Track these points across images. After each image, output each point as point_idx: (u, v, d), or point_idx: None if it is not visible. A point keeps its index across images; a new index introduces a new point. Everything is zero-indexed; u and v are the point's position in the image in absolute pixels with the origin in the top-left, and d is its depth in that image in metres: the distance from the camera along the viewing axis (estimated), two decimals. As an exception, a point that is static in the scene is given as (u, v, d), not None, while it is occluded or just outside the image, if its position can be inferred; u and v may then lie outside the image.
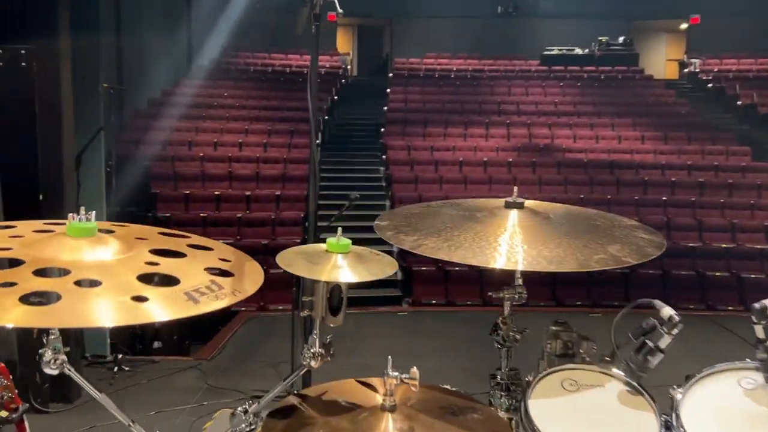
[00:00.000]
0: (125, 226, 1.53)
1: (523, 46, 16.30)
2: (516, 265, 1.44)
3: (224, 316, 7.80)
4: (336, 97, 14.16)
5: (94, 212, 1.29)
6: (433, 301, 7.77)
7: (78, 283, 1.09)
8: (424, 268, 8.19)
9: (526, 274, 1.64)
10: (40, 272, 1.11)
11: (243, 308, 8.09)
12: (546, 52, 15.85)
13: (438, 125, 12.59)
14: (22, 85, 4.91)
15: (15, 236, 1.29)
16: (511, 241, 1.53)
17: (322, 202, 10.88)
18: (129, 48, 10.55)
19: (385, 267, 1.40)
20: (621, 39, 15.78)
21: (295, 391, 1.48)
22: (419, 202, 9.67)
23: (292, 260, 1.40)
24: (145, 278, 1.15)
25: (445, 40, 16.85)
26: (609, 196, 10.24)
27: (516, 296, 1.71)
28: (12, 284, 1.04)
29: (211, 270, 1.26)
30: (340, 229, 1.44)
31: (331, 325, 1.45)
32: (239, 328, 6.90)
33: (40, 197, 5.29)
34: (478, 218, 1.68)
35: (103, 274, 1.13)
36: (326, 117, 12.85)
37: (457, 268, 7.47)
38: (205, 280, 1.21)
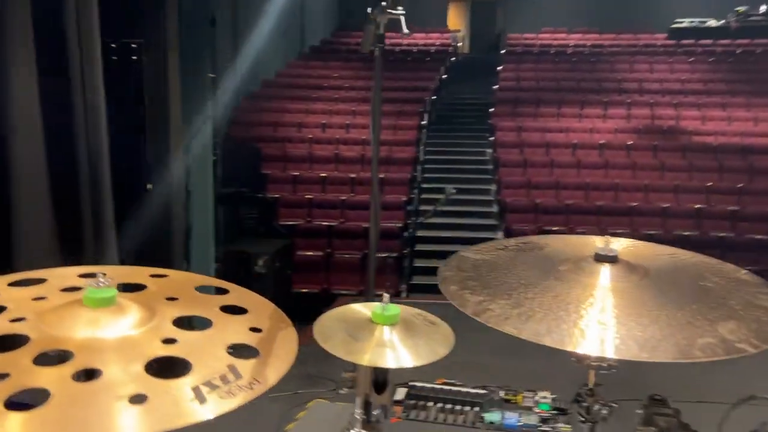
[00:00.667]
0: (164, 276, 1.42)
1: (649, 19, 15.06)
2: (600, 350, 1.19)
3: (327, 297, 7.90)
4: (445, 76, 13.81)
5: (111, 280, 1.18)
6: None
7: (76, 376, 0.97)
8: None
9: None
10: (41, 359, 1.01)
11: (344, 292, 8.16)
12: (675, 25, 14.57)
13: (551, 105, 11.95)
14: (132, 79, 5.07)
15: (38, 298, 1.21)
16: (598, 313, 1.28)
17: (425, 185, 10.72)
18: (244, 30, 10.76)
19: (436, 346, 1.20)
20: (762, 8, 14.16)
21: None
22: (527, 188, 9.24)
23: (330, 331, 1.23)
24: (155, 366, 1.03)
25: (563, 14, 15.92)
26: (740, 185, 9.29)
27: (605, 365, 1.45)
28: (4, 376, 0.94)
29: (233, 350, 1.12)
30: (386, 295, 1.25)
31: (375, 403, 1.27)
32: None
33: (148, 186, 5.48)
34: (559, 273, 1.43)
35: (107, 361, 1.02)
36: (434, 96, 12.57)
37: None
38: (221, 366, 1.07)
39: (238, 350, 1.14)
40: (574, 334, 1.22)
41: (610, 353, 1.18)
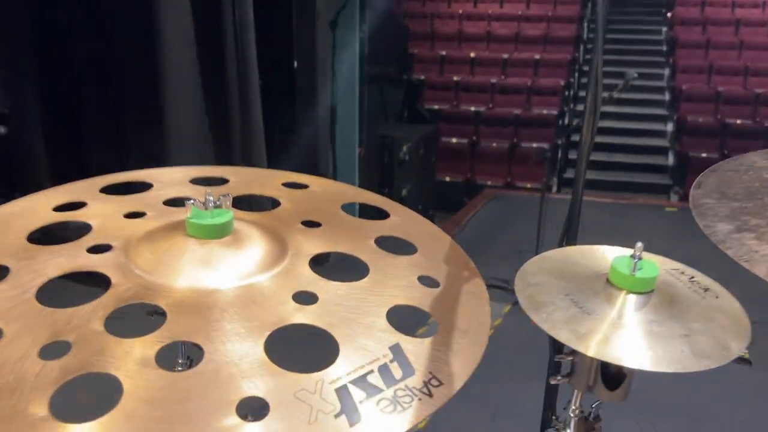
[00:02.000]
0: (302, 186, 1.04)
1: None
2: None
3: (469, 189, 7.47)
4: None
5: (229, 196, 0.80)
6: None
7: (162, 356, 0.63)
8: (705, 155, 6.83)
9: None
10: (119, 321, 0.67)
11: (489, 183, 7.66)
12: None
13: (747, -27, 10.04)
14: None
15: (133, 215, 0.88)
16: None
17: (587, 68, 9.57)
18: None
19: (722, 334, 0.72)
20: None
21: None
22: (708, 73, 7.87)
23: (543, 292, 0.79)
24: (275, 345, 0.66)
25: None
26: None
27: None
28: (63, 350, 0.62)
29: (395, 317, 0.72)
30: (640, 244, 0.78)
31: (603, 400, 0.84)
32: (482, 207, 6.48)
33: (295, 64, 5.17)
34: None
35: (213, 333, 0.66)
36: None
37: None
38: (380, 350, 0.68)
39: (403, 320, 0.75)
40: None
41: None
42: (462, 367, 0.69)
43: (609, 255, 0.86)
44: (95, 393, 0.64)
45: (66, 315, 0.67)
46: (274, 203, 0.96)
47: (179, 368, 0.83)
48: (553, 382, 0.85)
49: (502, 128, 8.06)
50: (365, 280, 0.79)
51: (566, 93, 8.61)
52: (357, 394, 0.62)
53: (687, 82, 8.46)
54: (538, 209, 3.90)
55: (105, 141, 3.44)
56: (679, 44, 9.06)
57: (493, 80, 8.78)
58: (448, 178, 7.86)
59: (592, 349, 0.71)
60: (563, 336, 0.73)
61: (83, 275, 0.74)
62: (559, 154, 8.08)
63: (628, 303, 0.76)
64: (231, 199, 0.80)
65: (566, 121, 8.14)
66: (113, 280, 0.73)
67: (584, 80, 9.02)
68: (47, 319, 0.66)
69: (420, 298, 0.78)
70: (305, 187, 1.05)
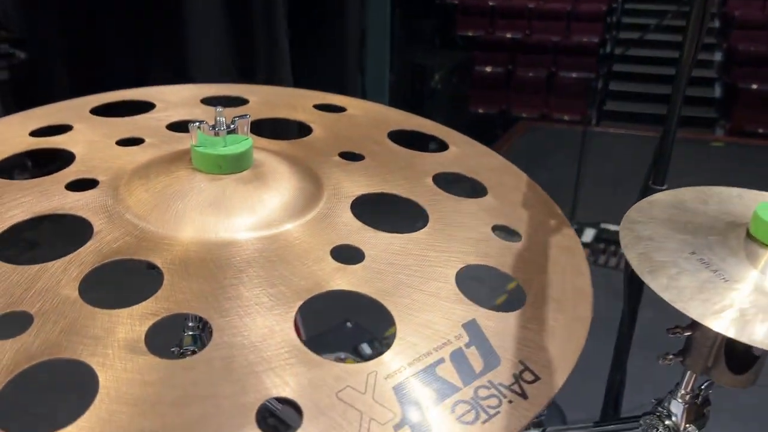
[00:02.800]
0: (339, 109, 0.85)
1: None
2: None
3: (503, 121, 7.13)
4: None
5: (247, 117, 0.61)
6: (760, 131, 6.05)
7: (155, 339, 0.45)
8: (756, 87, 6.39)
9: None
10: (96, 287, 0.50)
11: (525, 115, 7.32)
12: None
13: None
14: None
15: (127, 141, 0.70)
16: None
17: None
18: None
19: None
20: None
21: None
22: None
23: (658, 245, 0.60)
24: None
25: None
26: None
27: None
28: (26, 321, 0.45)
29: (472, 278, 0.54)
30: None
31: (722, 384, 0.66)
32: (517, 140, 6.20)
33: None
34: None
35: (226, 302, 0.49)
36: None
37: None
38: (449, 329, 0.49)
39: (480, 287, 0.56)
40: None
41: None
42: (562, 351, 0.50)
43: (744, 199, 0.66)
44: (61, 389, 0.46)
45: (28, 274, 0.50)
46: (305, 129, 0.77)
47: (180, 351, 0.67)
48: (662, 363, 0.66)
49: (539, 56, 7.63)
50: (424, 231, 0.61)
51: (609, 19, 8.09)
52: (424, 394, 0.45)
53: (740, 8, 7.87)
54: (575, 143, 3.64)
55: (126, 60, 3.27)
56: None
57: (531, 5, 8.27)
58: (481, 110, 7.53)
59: (737, 327, 0.52)
60: (696, 311, 0.54)
61: (57, 220, 0.56)
62: (600, 85, 7.66)
63: (776, 261, 0.56)
64: (249, 122, 0.61)
65: (608, 49, 7.68)
66: (95, 227, 0.55)
67: (628, 5, 8.48)
68: (5, 280, 0.49)
69: (497, 255, 0.59)
70: (342, 110, 0.85)
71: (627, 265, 1.24)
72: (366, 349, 1.56)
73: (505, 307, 0.54)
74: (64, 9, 3.27)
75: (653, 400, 0.71)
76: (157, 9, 3.11)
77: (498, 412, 0.44)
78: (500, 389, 0.46)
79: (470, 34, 8.15)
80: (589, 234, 3.12)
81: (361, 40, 4.77)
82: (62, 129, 0.72)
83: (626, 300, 1.11)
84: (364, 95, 4.73)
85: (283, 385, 0.43)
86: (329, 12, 4.39)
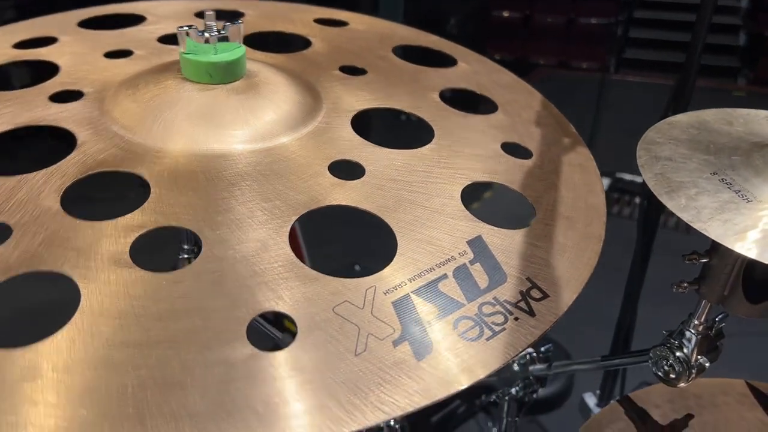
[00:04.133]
0: (341, 23, 0.80)
1: None
2: None
3: (521, 67, 6.93)
4: None
5: (239, 23, 0.57)
6: None
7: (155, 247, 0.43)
8: (783, 34, 6.15)
9: None
10: (87, 205, 0.47)
11: (542, 62, 7.09)
12: None
13: None
14: None
15: (115, 54, 0.66)
16: None
17: None
18: None
19: None
20: None
21: (619, 398, 0.75)
22: None
23: (677, 166, 0.56)
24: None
25: None
26: None
27: None
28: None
29: (479, 196, 0.51)
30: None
31: (738, 315, 0.63)
32: (534, 86, 6.04)
33: None
34: None
35: (219, 218, 0.46)
36: None
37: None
38: (453, 246, 0.47)
39: (488, 204, 0.53)
40: None
41: None
42: (572, 270, 0.47)
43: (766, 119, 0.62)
44: (43, 302, 0.44)
45: (9, 185, 0.47)
46: (305, 43, 0.73)
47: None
48: (677, 290, 0.64)
49: (558, 1, 7.34)
50: (430, 146, 0.57)
51: None
52: (425, 309, 0.42)
53: None
54: (594, 91, 3.53)
55: None
56: None
57: (549, -57, 7.93)
58: (498, 56, 7.31)
59: (756, 248, 0.49)
60: (716, 231, 0.50)
61: (39, 131, 0.53)
62: (620, 31, 7.39)
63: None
64: (242, 28, 0.57)
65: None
66: (80, 138, 0.52)
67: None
68: (-17, 191, 0.47)
69: (506, 172, 0.56)
70: (344, 24, 0.80)
71: (641, 201, 1.20)
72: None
73: (487, 202, 0.50)
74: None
75: (664, 332, 0.69)
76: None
77: (503, 329, 0.42)
78: (506, 306, 0.44)
79: None
80: (604, 183, 3.06)
81: None
82: (47, 41, 0.68)
83: (639, 238, 1.08)
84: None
85: (276, 299, 0.41)
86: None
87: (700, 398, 0.75)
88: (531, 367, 0.85)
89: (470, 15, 6.69)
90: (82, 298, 0.40)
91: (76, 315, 0.39)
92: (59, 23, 0.73)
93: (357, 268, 1.76)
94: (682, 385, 0.66)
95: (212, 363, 0.37)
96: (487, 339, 0.41)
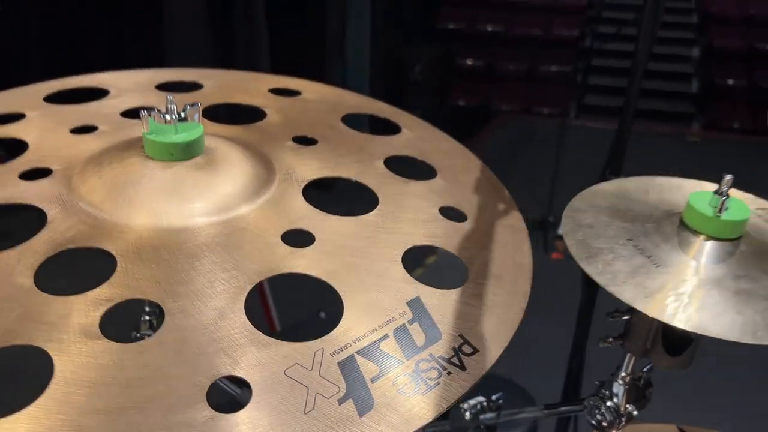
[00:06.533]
0: (294, 93, 0.86)
1: None
2: None
3: (485, 113, 7.13)
4: None
5: (197, 105, 0.62)
6: (736, 126, 6.10)
7: (123, 326, 0.47)
8: (732, 82, 6.47)
9: None
10: (55, 277, 0.51)
11: (505, 108, 7.31)
12: None
13: None
14: None
15: (81, 130, 0.70)
16: None
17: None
18: None
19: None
20: None
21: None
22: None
23: (597, 235, 0.63)
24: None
25: None
26: None
27: None
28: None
29: (416, 267, 0.57)
30: (728, 177, 0.61)
31: (660, 367, 0.70)
32: (498, 132, 6.23)
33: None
34: None
35: (182, 291, 0.50)
36: None
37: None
38: (396, 305, 0.52)
39: (427, 272, 0.59)
40: None
41: None
42: (500, 325, 0.53)
43: (682, 189, 0.69)
44: (17, 374, 0.48)
45: (-17, 264, 0.51)
46: (259, 114, 0.78)
47: (138, 335, 0.69)
48: (602, 345, 0.70)
49: (520, 50, 7.62)
50: (374, 213, 0.63)
51: (588, 13, 8.10)
52: (368, 368, 0.47)
53: (717, 4, 7.93)
54: (555, 136, 3.70)
55: (101, 49, 3.22)
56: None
57: (513, -2, 8.25)
58: (462, 102, 7.50)
59: (665, 312, 0.56)
60: (627, 294, 0.57)
61: (10, 209, 0.57)
62: (579, 79, 7.68)
63: (709, 251, 0.60)
64: (200, 110, 0.62)
65: (588, 42, 7.70)
66: (49, 215, 0.56)
67: None
68: (-42, 269, 0.50)
69: (444, 235, 0.62)
70: (297, 94, 0.86)
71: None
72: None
73: (431, 269, 0.56)
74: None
75: (596, 383, 0.75)
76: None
77: (438, 383, 0.47)
78: (440, 362, 0.49)
79: (451, 26, 8.09)
80: (563, 224, 3.17)
81: (342, 29, 4.73)
82: (14, 117, 0.73)
83: (584, 286, 1.15)
84: (344, 86, 4.70)
85: (233, 364, 0.46)
86: (309, 1, 4.34)
87: (632, 435, 0.82)
88: (481, 416, 0.90)
89: (435, 62, 6.90)
90: (56, 370, 0.44)
91: (52, 385, 0.43)
92: (26, 97, 0.78)
93: (322, 315, 1.79)
94: (614, 433, 0.73)
95: (176, 426, 0.41)
96: (423, 393, 0.47)
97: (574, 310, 1.23)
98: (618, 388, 0.71)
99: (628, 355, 0.70)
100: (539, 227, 3.07)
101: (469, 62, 7.62)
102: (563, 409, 0.80)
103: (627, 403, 0.71)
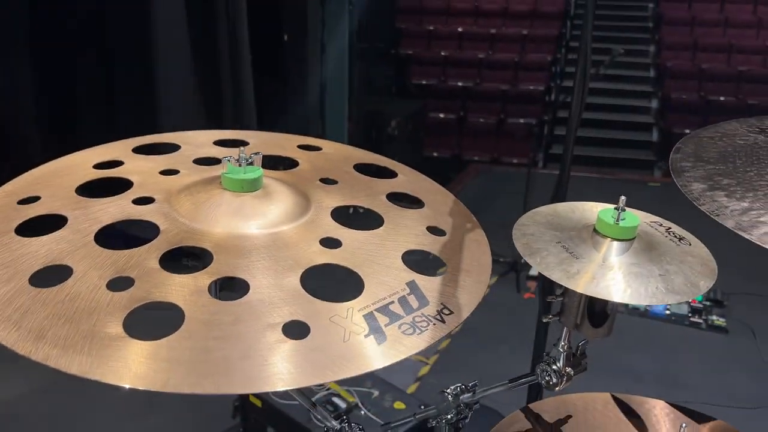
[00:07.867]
0: (317, 148, 1.14)
1: None
2: None
3: (456, 164, 7.55)
4: None
5: (260, 154, 0.90)
6: None
7: (214, 287, 0.73)
8: (688, 131, 6.93)
9: None
10: (172, 260, 0.77)
11: (476, 158, 7.75)
12: None
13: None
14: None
15: (168, 172, 0.97)
16: None
17: (574, 44, 9.57)
18: None
19: (693, 276, 0.84)
20: None
21: (525, 407, 1.05)
22: (693, 50, 7.93)
23: (537, 239, 0.90)
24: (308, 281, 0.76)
25: None
26: None
27: None
28: (127, 284, 0.71)
29: (410, 259, 0.83)
30: (623, 198, 0.89)
31: (588, 337, 0.96)
32: (469, 181, 6.61)
33: (285, 38, 5.25)
34: None
35: (254, 269, 0.76)
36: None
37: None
38: (398, 284, 0.78)
39: (418, 262, 0.85)
40: None
41: None
42: (468, 299, 0.79)
43: (595, 209, 0.97)
44: (160, 317, 0.73)
45: (125, 256, 0.76)
46: (294, 163, 1.06)
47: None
48: (545, 320, 0.96)
49: (489, 103, 8.14)
50: (381, 229, 0.90)
51: (553, 69, 8.69)
52: (382, 319, 0.73)
53: (672, 59, 8.58)
54: (524, 184, 4.04)
55: (97, 120, 3.53)
56: (664, 21, 9.16)
57: (481, 55, 8.84)
58: (435, 154, 7.95)
59: (581, 286, 0.82)
60: (555, 275, 0.83)
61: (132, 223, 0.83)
62: (546, 130, 8.18)
63: (612, 248, 0.87)
64: (261, 157, 0.90)
65: (553, 96, 8.24)
66: (161, 226, 0.82)
67: (571, 56, 9.11)
68: (108, 259, 0.76)
69: (429, 244, 0.89)
70: (319, 149, 1.14)
71: (543, 284, 1.54)
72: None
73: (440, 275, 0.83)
74: (37, 68, 3.50)
75: (545, 354, 1.00)
76: (131, 72, 3.38)
77: (427, 330, 0.73)
78: (428, 318, 0.75)
79: (424, 82, 8.63)
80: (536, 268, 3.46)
81: (321, 91, 5.12)
82: (116, 163, 0.99)
83: (541, 310, 1.42)
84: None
85: (296, 313, 0.71)
86: (290, 65, 4.73)
87: (576, 405, 1.06)
88: (461, 397, 1.14)
89: (409, 117, 7.31)
90: (185, 315, 0.69)
91: (185, 322, 0.68)
92: (120, 149, 1.05)
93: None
94: (558, 389, 0.97)
95: (264, 344, 0.66)
96: (417, 334, 0.72)
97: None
98: (558, 354, 0.96)
99: (565, 329, 0.95)
100: (512, 269, 3.35)
101: (440, 116, 8.11)
102: (523, 380, 1.04)
103: (567, 367, 0.96)
